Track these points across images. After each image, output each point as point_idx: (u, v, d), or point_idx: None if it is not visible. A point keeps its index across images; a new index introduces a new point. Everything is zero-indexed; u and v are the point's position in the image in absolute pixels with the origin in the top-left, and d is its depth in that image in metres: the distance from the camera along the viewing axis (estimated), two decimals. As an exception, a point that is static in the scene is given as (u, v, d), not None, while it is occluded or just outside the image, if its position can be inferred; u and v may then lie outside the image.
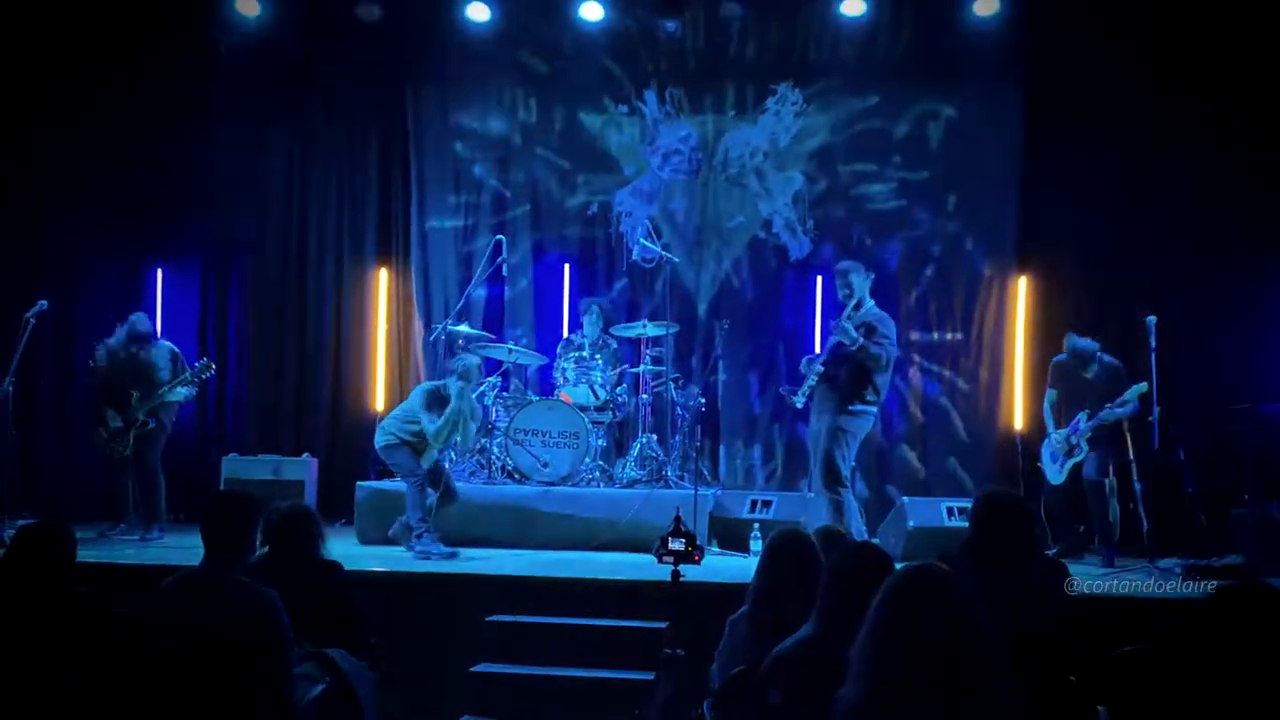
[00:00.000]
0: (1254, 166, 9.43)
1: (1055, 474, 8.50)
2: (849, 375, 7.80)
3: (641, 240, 10.10)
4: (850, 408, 7.84)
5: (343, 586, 5.32)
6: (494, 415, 9.28)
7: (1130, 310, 9.13)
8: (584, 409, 9.27)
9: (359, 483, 9.11)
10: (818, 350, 8.78)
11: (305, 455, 10.04)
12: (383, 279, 10.83)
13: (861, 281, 8.00)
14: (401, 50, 10.53)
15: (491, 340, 9.74)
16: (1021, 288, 10.13)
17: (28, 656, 4.19)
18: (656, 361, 9.61)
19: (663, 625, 6.01)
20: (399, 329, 10.83)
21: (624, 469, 9.31)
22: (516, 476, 9.07)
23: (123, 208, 10.66)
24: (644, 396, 9.61)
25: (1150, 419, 7.92)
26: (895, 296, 9.93)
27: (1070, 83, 9.86)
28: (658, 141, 10.57)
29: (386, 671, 5.39)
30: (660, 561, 5.19)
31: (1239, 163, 9.49)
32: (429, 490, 8.07)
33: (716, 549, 8.31)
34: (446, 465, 8.55)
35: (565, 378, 9.55)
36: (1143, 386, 8.02)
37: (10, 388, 8.33)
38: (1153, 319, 7.95)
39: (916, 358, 10.21)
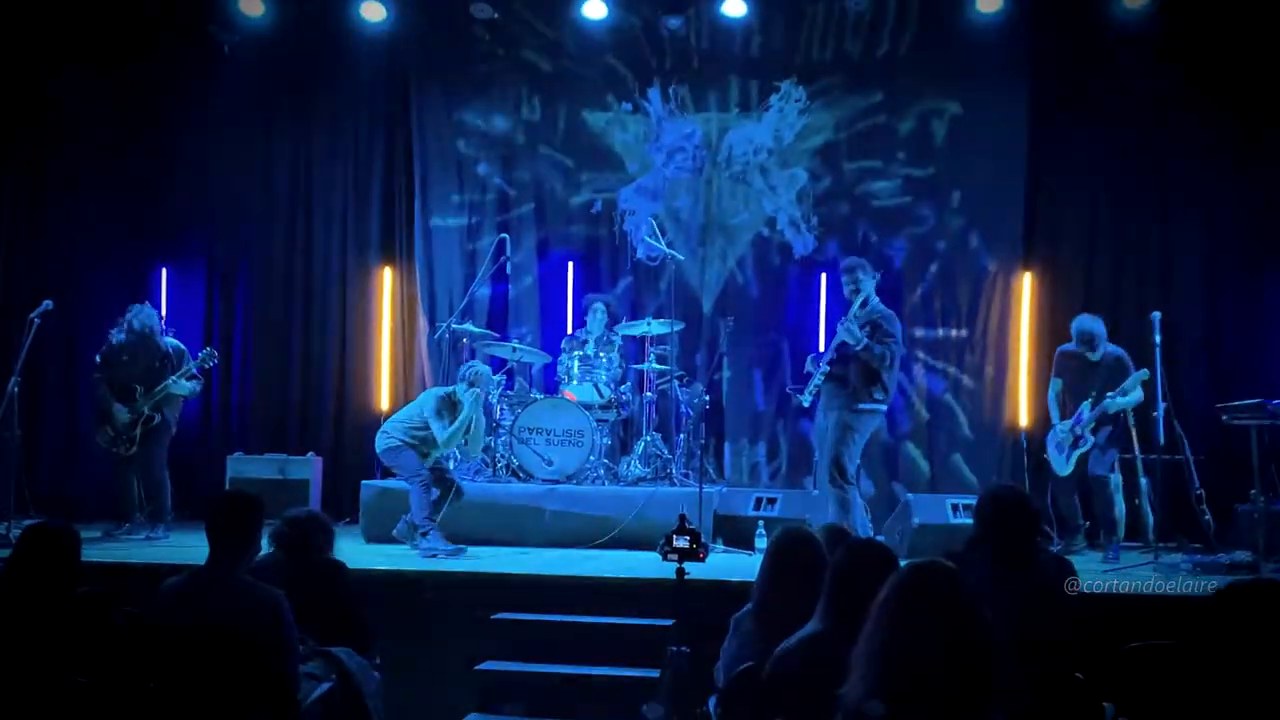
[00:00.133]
0: (1262, 162, 9.42)
1: (1061, 465, 8.48)
2: (858, 373, 7.79)
3: (646, 238, 10.09)
4: (859, 406, 7.82)
5: (347, 585, 5.33)
6: (499, 414, 9.28)
7: (1136, 306, 9.12)
8: (589, 407, 9.26)
9: (364, 482, 9.11)
10: (822, 348, 8.78)
11: (310, 454, 10.05)
12: (387, 278, 10.84)
13: (868, 279, 7.99)
14: (405, 49, 10.55)
15: (496, 339, 9.75)
16: (1026, 284, 10.11)
17: (34, 657, 4.20)
18: (661, 359, 9.61)
19: (667, 623, 6.00)
20: (403, 328, 10.84)
21: (629, 467, 9.31)
22: (521, 475, 9.07)
23: (128, 208, 10.69)
24: (648, 394, 9.61)
25: (1155, 414, 7.90)
26: (900, 293, 9.93)
27: (1074, 77, 9.86)
28: (662, 139, 10.57)
29: (392, 670, 5.40)
30: (665, 559, 5.18)
31: (1246, 158, 9.48)
32: (432, 489, 8.07)
33: (721, 547, 8.30)
34: (448, 464, 8.55)
35: (570, 376, 9.55)
36: (1144, 374, 7.99)
37: (16, 387, 8.33)
38: (1158, 315, 7.93)
39: (921, 354, 10.20)
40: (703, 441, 9.34)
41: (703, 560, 5.08)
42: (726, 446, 10.34)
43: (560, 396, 9.41)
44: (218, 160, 10.67)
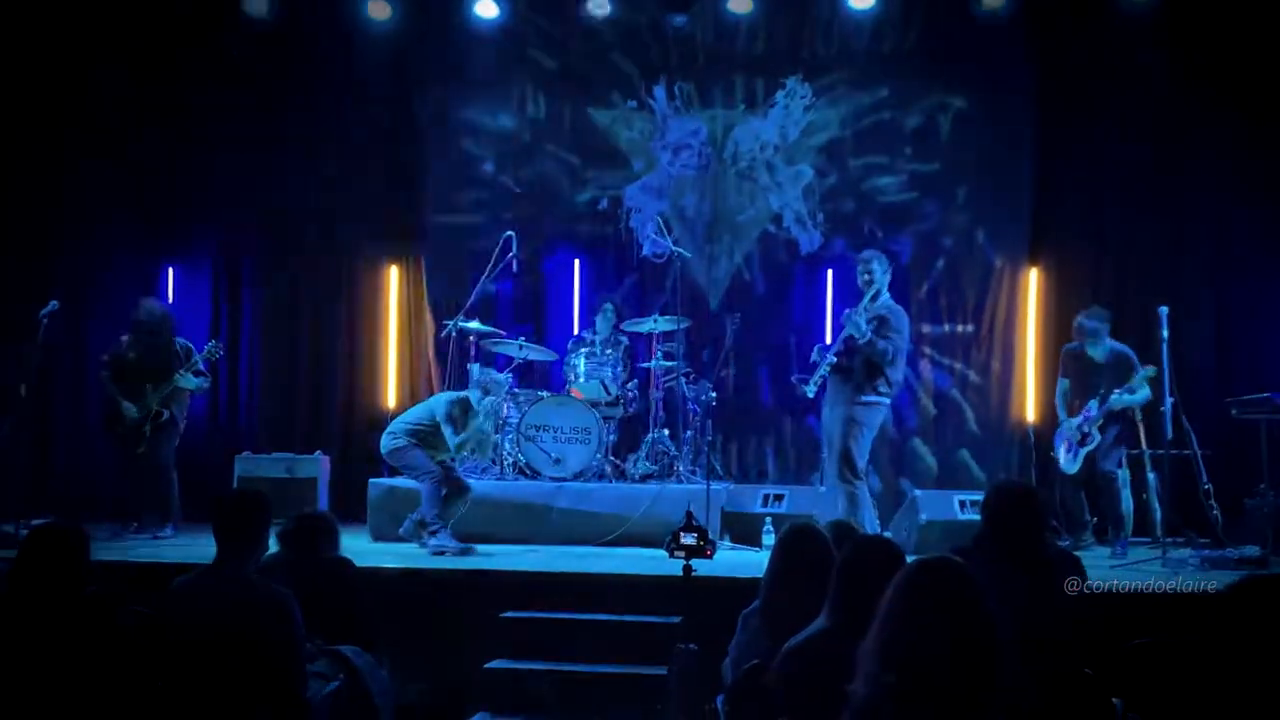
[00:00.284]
0: (1270, 156, 9.39)
1: (1069, 463, 8.47)
2: (862, 367, 7.78)
3: (652, 235, 10.10)
4: (863, 399, 7.81)
5: (355, 584, 5.33)
6: (505, 412, 9.29)
7: (1142, 301, 9.09)
8: (595, 404, 9.27)
9: (371, 480, 9.11)
10: (829, 342, 8.78)
11: (318, 453, 10.05)
12: (393, 276, 10.85)
13: (883, 272, 7.95)
14: (410, 48, 10.55)
15: (502, 336, 9.75)
16: (1033, 279, 10.10)
17: (42, 657, 4.20)
18: (668, 356, 9.61)
19: (675, 620, 6.01)
20: (410, 326, 10.84)
21: (636, 464, 9.31)
22: (528, 473, 9.08)
23: (134, 207, 10.70)
24: (655, 392, 9.60)
25: (1163, 409, 7.90)
26: (906, 289, 9.90)
27: (1081, 72, 9.84)
28: (667, 136, 10.57)
29: (400, 668, 5.41)
30: (672, 556, 5.19)
31: (1255, 152, 9.46)
32: (442, 487, 8.08)
33: (729, 543, 8.31)
34: (455, 463, 8.56)
35: (576, 374, 9.56)
36: (1151, 370, 7.98)
37: (23, 388, 8.34)
38: (1165, 309, 7.92)
39: (928, 350, 10.20)
40: (710, 438, 9.34)
41: (710, 557, 5.10)
42: (734, 443, 10.35)
43: (567, 394, 9.42)
44: (225, 160, 10.67)
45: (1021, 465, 9.83)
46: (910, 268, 10.17)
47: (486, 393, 8.24)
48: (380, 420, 9.66)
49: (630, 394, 9.66)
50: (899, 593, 2.87)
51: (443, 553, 7.70)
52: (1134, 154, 9.77)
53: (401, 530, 8.28)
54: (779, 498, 8.62)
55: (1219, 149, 9.54)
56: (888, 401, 8.07)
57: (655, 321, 9.63)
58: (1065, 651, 4.12)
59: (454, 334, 9.50)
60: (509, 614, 6.60)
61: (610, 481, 9.09)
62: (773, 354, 10.42)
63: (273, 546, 4.97)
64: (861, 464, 7.87)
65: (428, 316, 10.68)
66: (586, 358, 9.56)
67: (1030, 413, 9.96)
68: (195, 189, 10.76)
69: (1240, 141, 9.50)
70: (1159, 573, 7.06)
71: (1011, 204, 10.08)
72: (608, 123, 10.65)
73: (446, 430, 8.05)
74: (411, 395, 10.43)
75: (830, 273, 10.32)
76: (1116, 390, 8.15)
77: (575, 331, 10.25)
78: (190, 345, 8.94)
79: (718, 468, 9.54)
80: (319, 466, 9.94)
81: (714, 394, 9.56)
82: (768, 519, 8.19)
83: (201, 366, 8.87)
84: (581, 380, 9.50)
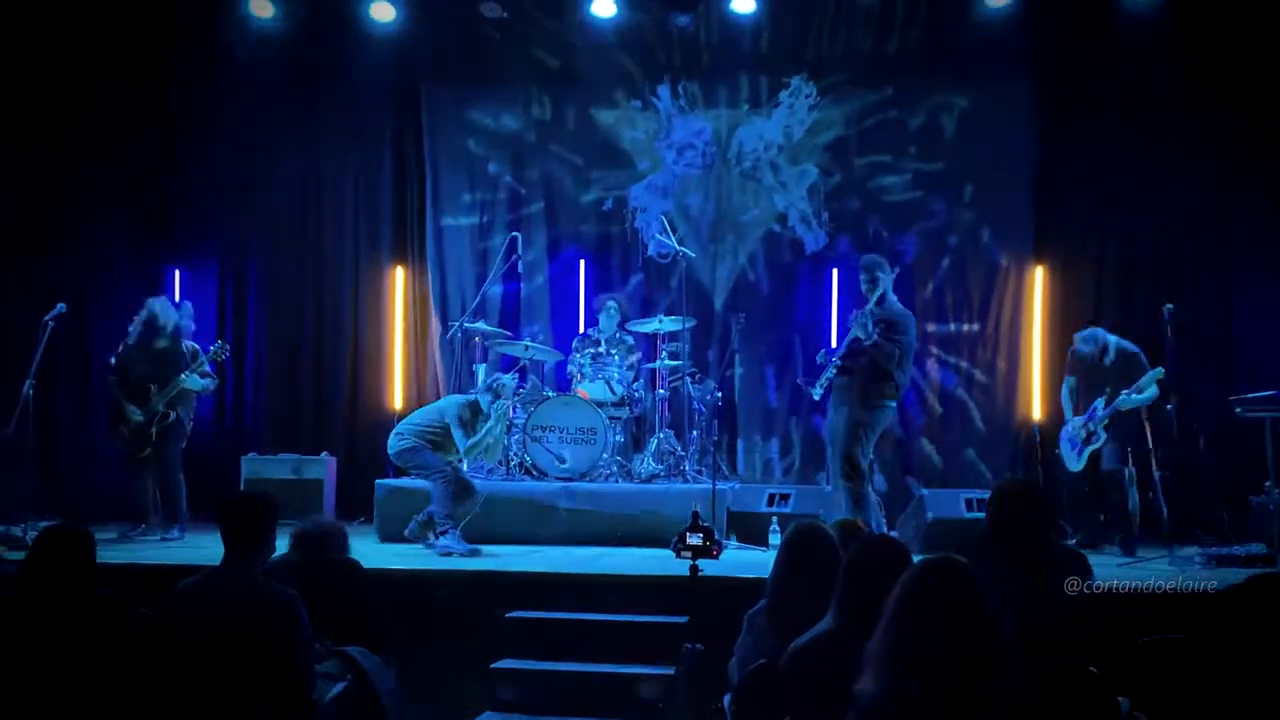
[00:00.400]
0: (1273, 154, 9.38)
1: (1074, 461, 8.47)
2: (868, 369, 7.78)
3: (656, 235, 10.10)
4: (870, 401, 7.81)
5: (362, 585, 5.34)
6: (511, 412, 9.29)
7: (1148, 299, 9.08)
8: (601, 405, 9.27)
9: (378, 481, 9.11)
10: (834, 343, 8.78)
11: (324, 454, 10.07)
12: (399, 277, 10.86)
13: (886, 277, 7.97)
14: (415, 49, 10.56)
15: (508, 337, 9.76)
16: (1038, 278, 10.10)
17: (50, 659, 4.21)
18: (673, 356, 9.61)
19: (682, 620, 6.02)
20: (416, 327, 10.86)
21: (642, 464, 9.31)
22: (534, 473, 9.08)
23: (140, 210, 10.73)
24: (661, 392, 9.60)
25: (1169, 408, 7.88)
26: (911, 288, 9.91)
27: (1085, 70, 9.84)
28: (672, 136, 10.57)
29: (407, 669, 5.41)
30: (678, 556, 5.20)
31: (1258, 150, 9.44)
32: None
33: (735, 543, 8.30)
34: (461, 464, 8.57)
35: (582, 374, 9.56)
36: (1159, 372, 7.98)
37: (30, 390, 8.36)
38: (1170, 307, 7.91)
39: (934, 349, 10.19)
40: (715, 438, 9.34)
41: (716, 557, 5.11)
42: (739, 443, 10.36)
43: (573, 394, 9.42)
44: (229, 162, 10.69)
45: (1028, 464, 9.83)
46: (915, 266, 10.17)
47: (497, 396, 8.24)
48: (386, 421, 9.68)
49: (636, 394, 9.66)
50: (905, 592, 2.88)
51: (450, 554, 7.69)
52: (1138, 151, 9.75)
53: (406, 531, 8.27)
54: (785, 497, 8.61)
55: (1223, 145, 9.53)
56: (894, 404, 8.08)
57: (660, 321, 9.63)
58: (1067, 651, 4.11)
59: (460, 335, 9.51)
60: (515, 614, 6.61)
61: (616, 482, 9.09)
62: (778, 353, 10.41)
63: (281, 548, 4.98)
64: (865, 464, 7.88)
65: (433, 318, 10.69)
66: (592, 358, 9.56)
67: (1036, 411, 9.96)
68: (197, 190, 10.78)
69: (1244, 138, 9.47)
70: (1165, 571, 7.05)
71: (1016, 202, 10.08)
72: (612, 123, 10.66)
73: (457, 434, 8.04)
74: (417, 396, 10.45)
75: (835, 272, 10.31)
76: (1124, 390, 8.15)
77: (581, 332, 10.24)
78: (197, 346, 8.94)
79: (723, 467, 9.55)
80: (325, 468, 9.96)
81: (719, 393, 9.58)
82: (774, 519, 8.18)
83: (208, 368, 8.87)
84: (587, 380, 9.50)
